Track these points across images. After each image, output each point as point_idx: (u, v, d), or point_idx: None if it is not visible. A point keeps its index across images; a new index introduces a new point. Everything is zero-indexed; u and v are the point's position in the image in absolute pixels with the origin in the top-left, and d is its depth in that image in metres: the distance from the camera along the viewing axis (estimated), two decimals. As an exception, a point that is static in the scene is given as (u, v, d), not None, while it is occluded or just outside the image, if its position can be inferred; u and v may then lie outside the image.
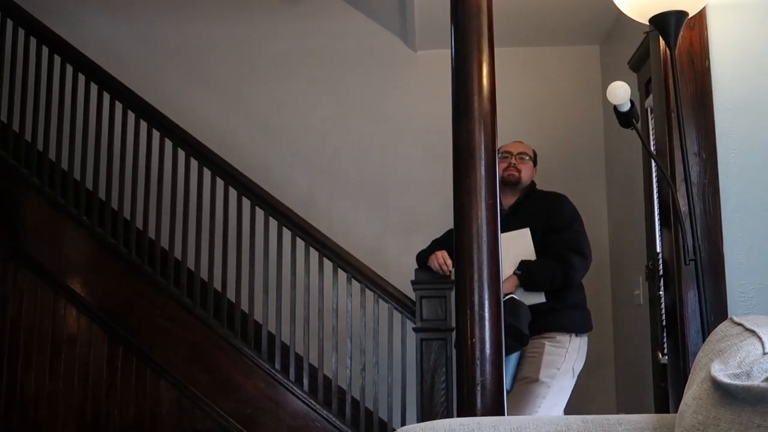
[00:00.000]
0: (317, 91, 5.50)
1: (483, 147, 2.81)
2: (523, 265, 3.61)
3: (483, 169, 2.76)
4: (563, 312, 3.63)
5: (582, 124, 5.33)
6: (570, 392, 3.64)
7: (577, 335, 3.63)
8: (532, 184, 3.93)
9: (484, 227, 2.65)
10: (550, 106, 5.37)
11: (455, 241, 2.64)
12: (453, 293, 2.86)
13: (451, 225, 2.90)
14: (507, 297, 3.33)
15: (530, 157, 3.92)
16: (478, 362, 2.43)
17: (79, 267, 4.50)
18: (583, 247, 3.68)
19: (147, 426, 4.22)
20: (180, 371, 4.23)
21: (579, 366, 3.63)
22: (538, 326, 3.55)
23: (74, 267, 4.49)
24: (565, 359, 3.54)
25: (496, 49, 2.99)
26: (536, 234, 3.70)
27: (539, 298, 3.60)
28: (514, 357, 3.54)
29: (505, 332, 2.99)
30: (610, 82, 2.66)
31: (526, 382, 3.54)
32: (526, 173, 3.86)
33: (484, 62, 2.90)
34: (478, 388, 2.41)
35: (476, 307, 2.50)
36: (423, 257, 3.94)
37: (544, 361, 3.52)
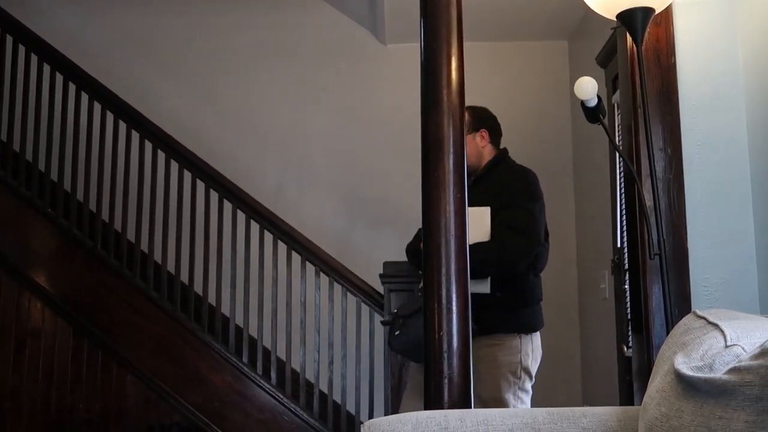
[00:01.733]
0: (287, 84, 5.48)
1: (451, 140, 2.81)
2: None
3: (451, 162, 2.76)
4: (512, 309, 3.17)
5: (550, 118, 5.36)
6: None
7: (527, 334, 3.18)
8: (500, 154, 3.41)
9: (452, 221, 2.65)
10: (518, 101, 5.38)
11: (423, 235, 2.64)
12: (421, 286, 2.86)
13: (419, 219, 2.91)
14: None
15: (467, 131, 3.38)
16: (445, 355, 2.44)
17: (43, 259, 4.44)
18: (525, 227, 3.14)
19: (113, 420, 4.18)
20: (146, 365, 4.20)
21: (535, 366, 3.22)
22: (485, 324, 3.07)
23: (39, 259, 4.43)
24: (521, 365, 3.10)
25: (465, 44, 3.00)
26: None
27: (482, 288, 3.08)
28: None
29: None
30: (578, 78, 2.68)
31: (496, 403, 3.07)
32: (470, 152, 3.32)
33: (453, 56, 2.90)
34: (446, 381, 2.41)
35: (444, 301, 2.50)
36: (415, 245, 3.48)
37: (502, 383, 3.10)
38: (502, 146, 3.45)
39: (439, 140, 2.81)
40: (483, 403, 3.02)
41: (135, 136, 4.48)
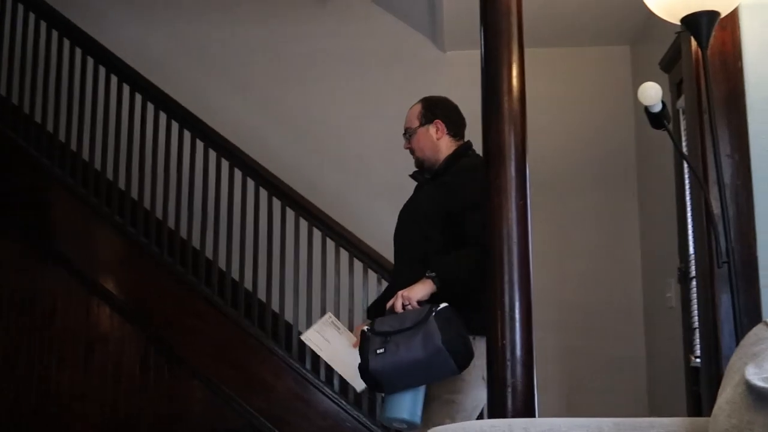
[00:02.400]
0: (346, 92, 5.52)
1: (513, 148, 2.79)
2: (434, 265, 2.84)
3: (513, 169, 2.75)
4: (465, 311, 2.75)
5: (612, 125, 5.30)
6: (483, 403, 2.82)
7: (480, 336, 2.68)
8: (460, 148, 3.08)
9: (515, 228, 2.64)
10: (580, 107, 5.34)
11: (486, 242, 2.63)
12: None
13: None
14: (441, 307, 2.67)
15: (413, 128, 3.13)
16: (508, 364, 2.43)
17: (111, 266, 4.56)
18: (478, 232, 2.73)
19: (179, 424, 4.26)
20: (211, 370, 4.27)
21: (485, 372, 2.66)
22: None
23: (107, 266, 4.55)
24: (474, 365, 2.71)
25: (525, 50, 2.99)
26: (429, 215, 2.97)
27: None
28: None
29: (452, 351, 2.58)
30: (641, 83, 2.64)
31: (428, 402, 2.76)
32: (418, 147, 3.10)
33: (513, 63, 2.89)
34: (509, 390, 2.40)
35: (506, 309, 2.49)
36: (380, 303, 3.14)
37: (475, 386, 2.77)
38: (467, 139, 3.15)
39: (500, 147, 2.80)
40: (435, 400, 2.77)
41: (200, 145, 4.57)
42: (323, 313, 4.23)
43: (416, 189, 3.18)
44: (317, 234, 4.37)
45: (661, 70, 4.40)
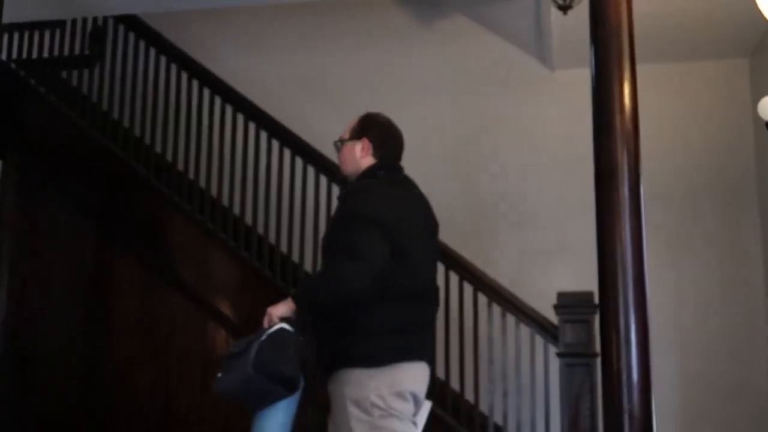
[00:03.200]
0: (454, 112, 5.53)
1: (626, 167, 2.75)
2: (299, 283, 2.87)
3: (626, 189, 2.70)
4: (357, 338, 2.65)
5: (731, 141, 5.11)
6: None
7: (380, 366, 2.60)
8: (368, 169, 2.92)
9: (629, 249, 2.58)
10: (695, 124, 5.17)
11: (599, 266, 2.58)
12: (597, 317, 2.78)
13: (593, 246, 2.84)
14: (276, 328, 2.65)
15: (343, 140, 3.00)
16: (625, 389, 2.37)
17: (226, 289, 4.68)
18: (348, 249, 2.65)
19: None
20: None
21: (396, 400, 2.60)
22: (331, 359, 2.70)
23: (222, 289, 4.67)
24: (369, 401, 2.57)
25: (637, 66, 2.92)
26: (327, 232, 2.95)
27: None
28: (284, 405, 2.70)
29: (268, 376, 2.57)
30: (762, 96, 2.54)
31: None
32: (342, 160, 2.99)
33: (625, 80, 2.84)
34: (626, 416, 2.34)
35: (622, 331, 2.43)
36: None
37: (352, 421, 2.58)
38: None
39: (612, 168, 2.75)
40: None
41: (310, 171, 4.65)
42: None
43: None
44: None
45: (783, 82, 4.23)
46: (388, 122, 3.06)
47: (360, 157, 2.92)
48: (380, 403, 2.57)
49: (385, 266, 2.61)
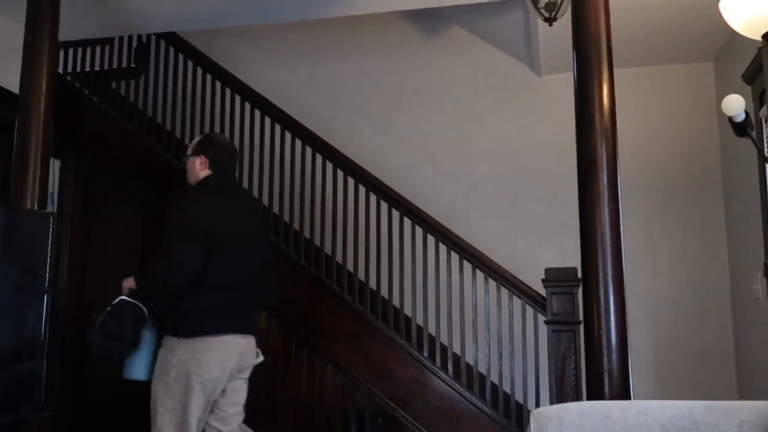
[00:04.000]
0: (454, 116, 5.52)
1: (605, 159, 2.76)
2: (141, 271, 3.24)
3: (605, 178, 2.71)
4: (171, 317, 2.96)
5: (699, 135, 5.09)
6: (201, 405, 2.92)
7: (186, 337, 2.90)
8: (199, 182, 3.14)
9: (608, 230, 2.59)
10: (667, 122, 5.16)
11: (581, 246, 2.59)
12: (580, 290, 2.80)
13: (577, 228, 2.85)
14: (117, 300, 2.99)
15: (187, 155, 3.21)
16: (605, 352, 2.38)
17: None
18: (167, 254, 2.92)
19: (316, 406, 4.34)
20: (343, 359, 4.33)
21: (206, 373, 2.90)
22: (161, 329, 3.04)
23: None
24: (174, 364, 2.88)
25: (615, 70, 2.92)
26: None
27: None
28: (146, 351, 3.00)
29: (112, 339, 2.91)
30: (725, 96, 2.54)
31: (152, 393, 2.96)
32: (187, 172, 3.20)
33: (604, 83, 2.85)
34: (606, 375, 2.35)
35: (602, 302, 2.45)
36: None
37: (156, 368, 2.95)
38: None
39: (593, 160, 2.76)
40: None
41: (343, 175, 4.65)
42: (437, 308, 4.25)
43: None
44: (431, 240, 4.37)
45: (744, 82, 4.20)
46: (222, 140, 3.29)
47: (199, 169, 3.13)
48: (200, 373, 2.86)
49: (199, 267, 2.85)
